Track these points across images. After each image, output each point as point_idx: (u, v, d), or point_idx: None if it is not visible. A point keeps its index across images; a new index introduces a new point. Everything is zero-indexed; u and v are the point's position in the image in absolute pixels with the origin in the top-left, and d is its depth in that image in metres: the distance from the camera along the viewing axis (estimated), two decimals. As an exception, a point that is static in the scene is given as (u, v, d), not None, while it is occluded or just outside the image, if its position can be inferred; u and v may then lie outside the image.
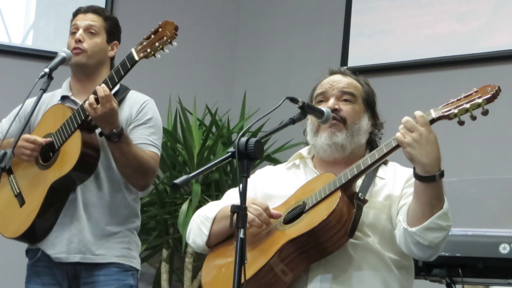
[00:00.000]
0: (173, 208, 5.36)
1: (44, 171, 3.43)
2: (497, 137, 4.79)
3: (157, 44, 3.23)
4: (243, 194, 2.43)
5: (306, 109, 2.71)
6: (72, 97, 3.57)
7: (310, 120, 2.86)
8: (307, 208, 2.69)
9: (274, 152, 5.41)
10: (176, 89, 5.63)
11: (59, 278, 3.48)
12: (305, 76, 5.36)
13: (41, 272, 3.51)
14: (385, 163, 2.83)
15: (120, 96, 3.53)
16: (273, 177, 2.96)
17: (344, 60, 5.45)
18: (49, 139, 3.42)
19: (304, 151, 2.96)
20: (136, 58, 3.26)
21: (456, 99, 2.51)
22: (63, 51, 3.50)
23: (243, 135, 2.49)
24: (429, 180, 2.52)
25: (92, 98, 3.27)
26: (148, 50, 3.24)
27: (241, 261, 2.36)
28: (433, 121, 2.52)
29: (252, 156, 2.46)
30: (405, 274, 2.76)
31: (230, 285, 2.49)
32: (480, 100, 2.45)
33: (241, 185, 2.44)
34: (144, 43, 3.27)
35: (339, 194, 2.62)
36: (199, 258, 5.13)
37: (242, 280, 2.36)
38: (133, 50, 3.28)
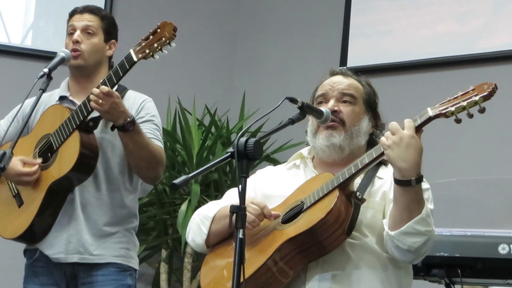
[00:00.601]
0: (172, 208, 5.36)
1: (42, 172, 3.43)
2: (496, 138, 4.79)
3: (155, 45, 3.23)
4: (242, 194, 2.43)
5: (305, 110, 2.71)
6: (71, 98, 3.57)
7: (311, 120, 2.86)
8: (305, 207, 2.69)
9: (273, 152, 5.41)
10: (175, 89, 5.63)
11: (57, 278, 3.48)
12: (304, 76, 5.37)
13: (39, 272, 3.50)
14: (386, 164, 2.83)
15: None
16: (273, 177, 2.97)
17: (343, 60, 5.45)
18: (39, 161, 3.42)
19: (304, 151, 2.97)
20: (135, 59, 3.26)
21: (453, 97, 2.53)
22: (62, 51, 3.50)
23: (242, 135, 2.49)
24: (405, 184, 2.54)
25: (94, 96, 3.28)
26: (147, 51, 3.24)
27: (240, 261, 2.36)
28: (430, 119, 2.53)
29: (251, 156, 2.46)
30: (403, 274, 2.76)
31: (229, 285, 2.50)
32: (477, 98, 2.46)
33: (240, 185, 2.44)
34: (143, 44, 3.27)
35: (337, 193, 2.63)
36: (198, 258, 5.12)
37: (241, 280, 2.36)
38: (131, 51, 3.28)
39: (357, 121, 2.83)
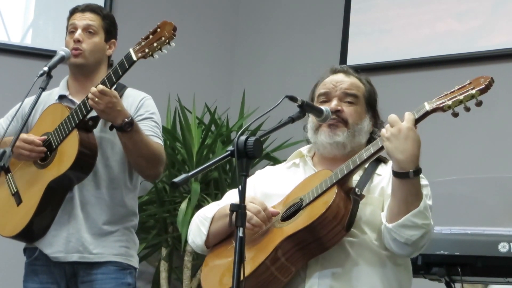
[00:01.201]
0: (172, 207, 5.36)
1: (41, 170, 3.43)
2: (496, 136, 4.79)
3: (155, 44, 3.23)
4: (242, 193, 2.43)
5: (305, 108, 2.71)
6: (70, 97, 3.57)
7: (311, 117, 2.86)
8: (304, 204, 2.70)
9: (273, 150, 5.41)
10: (175, 87, 5.63)
11: (57, 277, 3.48)
12: (304, 75, 5.36)
13: (39, 271, 3.50)
14: (385, 161, 2.84)
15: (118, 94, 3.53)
16: (273, 176, 2.97)
17: (343, 58, 5.45)
18: (44, 137, 3.42)
19: (304, 149, 2.97)
20: (134, 58, 3.26)
21: (449, 92, 2.54)
22: (62, 50, 3.50)
23: (242, 134, 2.49)
24: (403, 176, 2.54)
25: (91, 94, 3.28)
26: (146, 50, 3.24)
27: (240, 259, 2.36)
28: (427, 113, 2.54)
29: (251, 155, 2.46)
30: (403, 271, 2.77)
31: (228, 284, 2.50)
32: (473, 91, 2.47)
33: (240, 184, 2.44)
34: (142, 43, 3.27)
35: (335, 189, 2.64)
36: (198, 257, 5.13)
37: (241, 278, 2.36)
38: (131, 50, 3.28)
39: (359, 120, 2.84)
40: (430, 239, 2.66)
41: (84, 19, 3.56)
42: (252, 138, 2.48)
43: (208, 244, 2.88)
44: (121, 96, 3.53)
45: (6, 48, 5.47)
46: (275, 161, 5.08)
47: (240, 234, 2.38)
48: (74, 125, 3.35)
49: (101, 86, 3.26)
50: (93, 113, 3.36)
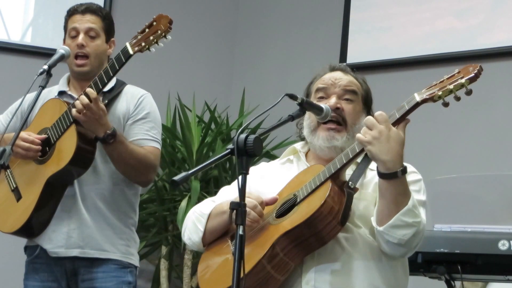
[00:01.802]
0: (172, 205, 5.36)
1: (40, 166, 3.43)
2: (496, 134, 4.79)
3: (151, 38, 3.23)
4: (242, 191, 2.43)
5: (305, 106, 2.71)
6: (69, 92, 3.57)
7: (308, 115, 2.86)
8: (298, 200, 2.70)
9: (273, 148, 5.41)
10: (175, 86, 5.62)
11: (57, 275, 3.48)
12: (304, 73, 5.33)
13: (40, 269, 3.51)
14: None
15: (116, 90, 3.54)
16: (266, 173, 2.97)
17: (343, 56, 5.45)
18: (43, 135, 3.42)
19: (298, 145, 2.98)
20: (131, 52, 3.26)
21: (439, 81, 2.54)
22: (62, 48, 3.50)
23: (242, 132, 2.49)
24: (391, 177, 2.53)
25: (79, 104, 3.27)
26: (143, 44, 3.24)
27: (240, 257, 2.36)
28: (417, 104, 2.53)
29: (251, 153, 2.46)
30: (399, 264, 2.77)
31: (226, 282, 2.51)
32: (463, 80, 2.47)
33: (240, 182, 2.44)
34: (139, 37, 3.27)
35: (329, 184, 2.64)
36: (198, 255, 5.11)
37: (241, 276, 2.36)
38: (127, 44, 3.28)
39: (357, 119, 2.84)
40: (423, 237, 2.66)
41: (86, 22, 3.55)
42: (252, 136, 2.47)
43: (205, 241, 2.87)
44: (120, 92, 3.53)
45: (6, 46, 5.48)
46: (275, 159, 5.08)
47: (240, 232, 2.38)
48: (72, 120, 3.35)
49: (86, 100, 3.25)
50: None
